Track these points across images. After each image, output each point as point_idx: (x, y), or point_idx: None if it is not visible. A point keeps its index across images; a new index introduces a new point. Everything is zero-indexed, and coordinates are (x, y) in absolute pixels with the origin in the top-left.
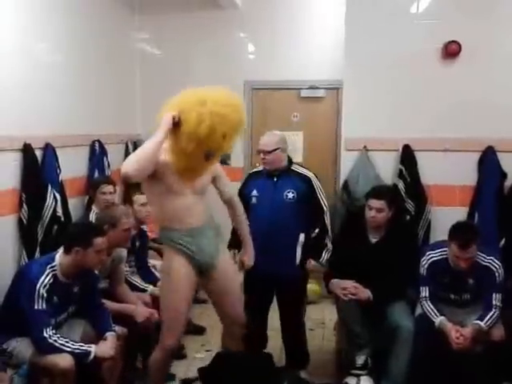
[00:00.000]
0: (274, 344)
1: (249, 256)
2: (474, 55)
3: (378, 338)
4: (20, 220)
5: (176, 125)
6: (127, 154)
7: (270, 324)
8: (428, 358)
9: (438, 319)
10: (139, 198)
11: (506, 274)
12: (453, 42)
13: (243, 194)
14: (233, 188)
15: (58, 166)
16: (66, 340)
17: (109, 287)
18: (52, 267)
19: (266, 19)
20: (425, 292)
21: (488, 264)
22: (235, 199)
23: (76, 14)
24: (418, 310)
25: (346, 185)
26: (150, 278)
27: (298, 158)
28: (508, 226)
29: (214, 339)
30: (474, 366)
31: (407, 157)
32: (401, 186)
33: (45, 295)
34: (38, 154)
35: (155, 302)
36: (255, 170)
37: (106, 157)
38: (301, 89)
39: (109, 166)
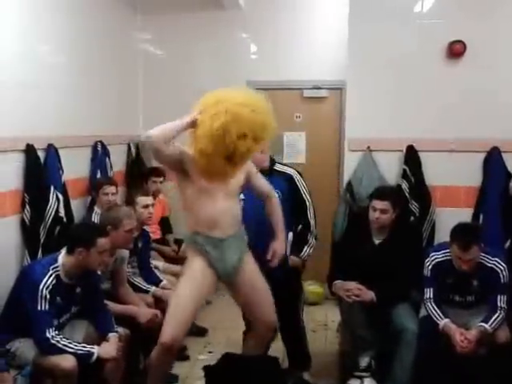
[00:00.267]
0: (277, 346)
1: (281, 245)
2: (479, 55)
3: (381, 339)
4: (23, 221)
5: (196, 125)
6: (129, 155)
7: None
8: (432, 361)
9: (443, 322)
10: (141, 200)
11: (511, 276)
12: (457, 41)
13: None
14: None
15: (61, 167)
16: (69, 341)
17: (111, 288)
18: (55, 268)
19: (269, 20)
20: (429, 293)
21: (493, 265)
22: (273, 193)
23: (78, 15)
24: (422, 312)
25: (349, 186)
26: (153, 279)
27: (300, 158)
28: None
29: (217, 340)
30: (478, 369)
31: (411, 157)
32: (405, 186)
33: (48, 296)
34: (41, 154)
35: (158, 302)
36: None
37: (109, 158)
38: (304, 89)
39: (111, 166)
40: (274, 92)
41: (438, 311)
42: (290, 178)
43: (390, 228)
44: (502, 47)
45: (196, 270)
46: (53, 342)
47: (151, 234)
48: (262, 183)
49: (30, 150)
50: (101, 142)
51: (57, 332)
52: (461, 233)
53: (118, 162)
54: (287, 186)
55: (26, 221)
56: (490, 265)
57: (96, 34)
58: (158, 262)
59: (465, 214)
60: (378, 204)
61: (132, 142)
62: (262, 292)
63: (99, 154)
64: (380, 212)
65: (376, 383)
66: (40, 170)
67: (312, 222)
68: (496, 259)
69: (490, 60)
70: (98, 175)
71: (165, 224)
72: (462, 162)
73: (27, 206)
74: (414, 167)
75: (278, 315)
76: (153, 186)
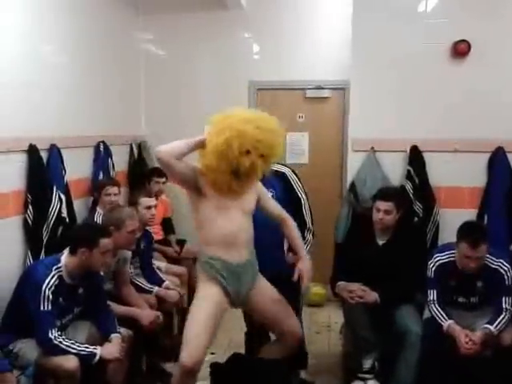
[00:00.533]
0: None
1: (306, 265)
2: (484, 54)
3: (385, 341)
4: (25, 221)
5: (205, 145)
6: (132, 155)
7: None
8: (436, 363)
9: (447, 323)
10: (144, 201)
11: None
12: (462, 41)
13: None
14: None
15: (63, 167)
16: (72, 341)
17: (114, 289)
18: (57, 268)
19: (271, 19)
20: (432, 295)
21: (497, 267)
22: (285, 215)
23: (81, 16)
24: (426, 314)
25: (352, 186)
26: (155, 280)
27: (303, 159)
28: None
29: (219, 342)
30: (483, 371)
31: (415, 158)
32: (409, 187)
33: (50, 297)
34: (44, 155)
35: (160, 303)
36: None
37: (111, 158)
38: (306, 89)
39: (113, 167)
40: (277, 92)
41: (442, 313)
42: (283, 176)
43: (393, 229)
44: (507, 47)
45: (211, 298)
46: (55, 342)
47: (153, 235)
48: (273, 205)
49: (32, 151)
50: (103, 142)
51: (59, 333)
52: (469, 230)
53: (120, 162)
54: (281, 184)
55: (29, 221)
56: (494, 266)
57: (98, 34)
58: (160, 263)
59: (469, 215)
60: (382, 205)
61: (134, 142)
62: (282, 302)
63: (101, 155)
64: (384, 213)
65: None
66: (43, 170)
67: (308, 219)
68: (501, 260)
69: (494, 59)
70: (101, 176)
71: (167, 225)
72: (467, 162)
73: (30, 207)
74: (418, 168)
75: None
76: (155, 186)
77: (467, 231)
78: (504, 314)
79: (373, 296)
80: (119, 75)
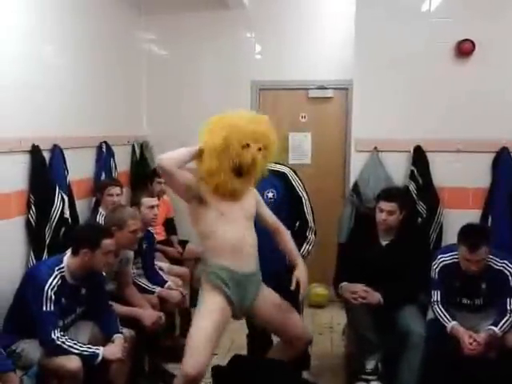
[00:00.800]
0: None
1: (303, 273)
2: (488, 54)
3: (388, 342)
4: (28, 221)
5: (202, 153)
6: (134, 155)
7: None
8: (440, 364)
9: (450, 324)
10: (146, 201)
11: None
12: (466, 40)
13: None
14: None
15: (66, 168)
16: (74, 342)
17: (116, 289)
18: (60, 269)
19: (274, 19)
20: (436, 296)
21: (501, 268)
22: (279, 224)
23: (83, 16)
24: (430, 315)
25: (356, 187)
26: (157, 280)
27: (306, 159)
28: None
29: (221, 343)
30: (487, 373)
31: (419, 158)
32: (412, 187)
33: (53, 297)
34: (46, 155)
35: (163, 303)
36: None
37: (113, 158)
38: (309, 89)
39: (115, 167)
40: (279, 92)
41: (446, 314)
42: (283, 175)
43: (397, 229)
44: (511, 46)
45: (215, 306)
46: (58, 342)
47: (155, 235)
48: (269, 213)
49: (35, 151)
50: (105, 142)
51: (62, 333)
52: (468, 234)
53: (122, 162)
54: (281, 184)
55: (32, 222)
56: (498, 267)
57: (100, 34)
58: (162, 263)
59: (473, 216)
60: (385, 205)
61: (137, 142)
62: (285, 308)
63: (104, 155)
64: (387, 213)
65: None
66: (45, 170)
67: (309, 217)
68: (505, 262)
69: (499, 59)
70: (103, 176)
71: (169, 225)
72: (471, 162)
73: (33, 207)
74: (422, 168)
75: None
76: (157, 186)
77: (466, 234)
78: (508, 315)
79: (376, 297)
80: (121, 75)
